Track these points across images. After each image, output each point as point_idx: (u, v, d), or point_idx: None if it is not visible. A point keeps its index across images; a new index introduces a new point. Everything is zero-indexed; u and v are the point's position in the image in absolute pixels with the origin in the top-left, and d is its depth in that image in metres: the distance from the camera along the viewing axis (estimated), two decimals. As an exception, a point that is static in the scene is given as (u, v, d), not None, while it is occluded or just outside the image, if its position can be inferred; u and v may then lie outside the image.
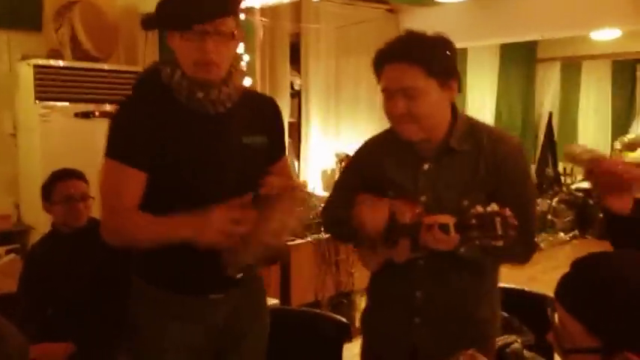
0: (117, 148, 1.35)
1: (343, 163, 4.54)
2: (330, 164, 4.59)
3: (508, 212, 1.21)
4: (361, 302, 3.26)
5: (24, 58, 3.06)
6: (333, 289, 3.24)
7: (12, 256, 2.81)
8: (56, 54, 3.10)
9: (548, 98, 7.07)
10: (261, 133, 1.46)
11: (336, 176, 4.53)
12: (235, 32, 1.35)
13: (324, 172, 4.62)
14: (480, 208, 1.24)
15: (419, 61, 1.33)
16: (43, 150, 2.96)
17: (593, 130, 7.64)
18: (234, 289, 1.44)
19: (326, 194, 4.57)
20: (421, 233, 1.32)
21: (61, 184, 1.94)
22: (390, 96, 1.37)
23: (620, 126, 7.73)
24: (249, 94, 1.52)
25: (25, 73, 2.99)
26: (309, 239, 3.30)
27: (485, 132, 1.45)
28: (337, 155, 4.54)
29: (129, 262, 1.46)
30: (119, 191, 1.33)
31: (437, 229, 1.29)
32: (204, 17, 1.29)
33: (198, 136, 1.38)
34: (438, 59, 1.35)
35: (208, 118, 1.37)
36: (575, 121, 7.52)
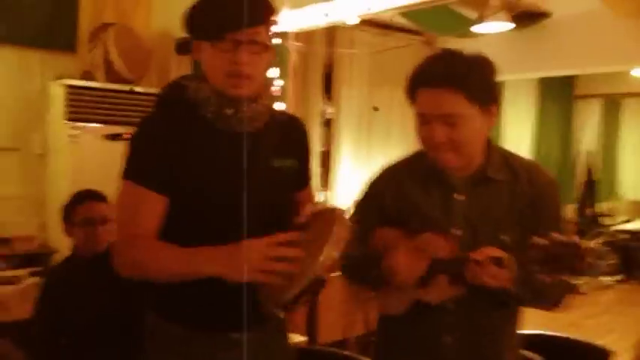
0: (135, 169, 1.24)
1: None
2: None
3: (577, 240, 1.09)
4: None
5: (57, 78, 3.06)
6: (362, 327, 3.05)
7: (35, 279, 2.73)
8: (89, 75, 3.09)
9: (587, 136, 6.87)
10: (291, 157, 1.36)
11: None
12: (269, 44, 1.26)
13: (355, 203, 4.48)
14: (540, 240, 1.12)
15: (461, 85, 1.23)
16: (72, 171, 2.91)
17: (633, 169, 7.38)
18: (259, 327, 1.29)
19: (356, 226, 4.45)
20: (468, 269, 1.20)
21: (80, 206, 1.86)
22: (426, 121, 1.27)
23: (660, 165, 7.46)
24: (277, 114, 1.41)
25: (57, 93, 2.98)
26: (338, 273, 3.12)
27: (521, 162, 1.36)
28: (368, 186, 4.42)
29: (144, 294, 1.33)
30: (136, 216, 1.21)
31: (490, 263, 1.17)
32: (239, 25, 1.19)
33: (226, 157, 1.26)
34: (480, 83, 1.25)
35: (237, 138, 1.26)
36: (614, 160, 7.28)
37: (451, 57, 1.28)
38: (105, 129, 3.00)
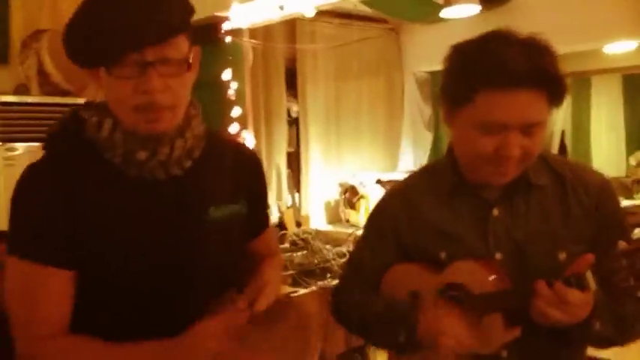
0: (25, 242, 0.94)
1: (347, 194, 4.21)
2: (334, 195, 4.26)
3: None
4: (376, 357, 2.87)
5: (-11, 94, 2.76)
6: (342, 344, 2.85)
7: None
8: (23, 89, 2.80)
9: (559, 115, 6.78)
10: (237, 200, 1.07)
11: (341, 208, 4.19)
12: (191, 58, 0.95)
13: (328, 204, 4.29)
14: (628, 246, 0.87)
15: (545, 84, 0.96)
16: (9, 196, 2.62)
17: (606, 146, 7.34)
18: None
19: (330, 229, 4.25)
20: (537, 301, 0.92)
21: None
22: (497, 130, 0.98)
23: (634, 141, 7.44)
24: (218, 142, 1.11)
25: (-13, 112, 2.68)
26: (313, 288, 2.92)
27: (563, 163, 1.11)
28: (341, 185, 4.22)
29: None
30: (36, 307, 0.92)
31: (562, 286, 0.89)
32: (143, 41, 0.87)
33: (143, 213, 0.97)
34: (560, 77, 0.99)
35: (157, 186, 0.97)
36: (588, 138, 7.23)
37: (523, 44, 0.99)
38: (45, 147, 2.72)
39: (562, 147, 6.74)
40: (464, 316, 1.02)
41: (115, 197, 0.97)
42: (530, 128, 1.00)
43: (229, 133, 2.88)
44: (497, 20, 4.31)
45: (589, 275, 0.89)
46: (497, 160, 1.02)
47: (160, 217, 0.98)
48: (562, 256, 1.02)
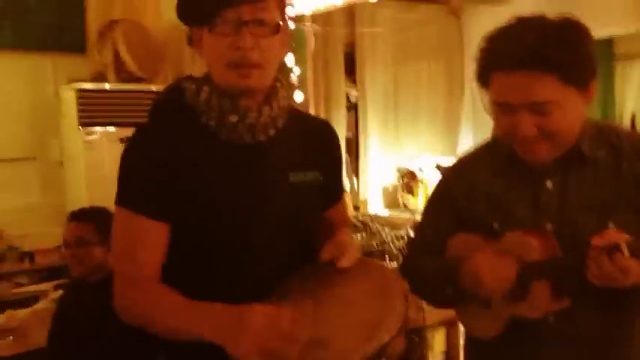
0: (130, 194, 1.06)
1: (406, 179, 4.21)
2: (392, 180, 4.27)
3: None
4: (434, 340, 2.89)
5: (69, 82, 2.95)
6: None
7: (59, 292, 2.66)
8: (101, 77, 2.98)
9: (629, 98, 6.47)
10: (314, 168, 1.14)
11: (399, 193, 4.20)
12: (281, 24, 1.04)
13: (386, 189, 4.30)
14: None
15: (553, 66, 0.99)
16: (89, 178, 2.82)
17: (681, 130, 6.95)
18: None
19: (388, 213, 4.28)
20: (592, 263, 0.97)
21: (66, 227, 1.75)
22: (508, 111, 1.05)
23: None
24: (298, 116, 1.20)
25: (69, 99, 2.88)
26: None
27: (622, 134, 1.12)
28: (399, 170, 4.22)
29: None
30: (134, 249, 1.05)
31: (620, 252, 0.94)
32: None
33: (232, 174, 1.07)
34: (576, 59, 1.01)
35: (245, 150, 1.07)
36: (660, 122, 6.86)
37: (535, 28, 1.02)
38: (121, 132, 2.88)
39: (632, 129, 6.44)
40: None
41: (208, 157, 1.06)
42: (540, 107, 1.02)
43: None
44: (563, 1, 4.18)
45: (624, 245, 0.94)
46: (519, 141, 1.06)
47: (245, 178, 1.07)
48: (611, 225, 1.02)
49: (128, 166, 1.07)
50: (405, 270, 1.29)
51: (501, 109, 1.06)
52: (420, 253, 1.26)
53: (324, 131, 1.23)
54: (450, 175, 1.28)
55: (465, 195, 1.19)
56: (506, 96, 1.04)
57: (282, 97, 1.11)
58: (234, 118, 1.05)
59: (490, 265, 1.06)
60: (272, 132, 1.09)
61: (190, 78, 1.11)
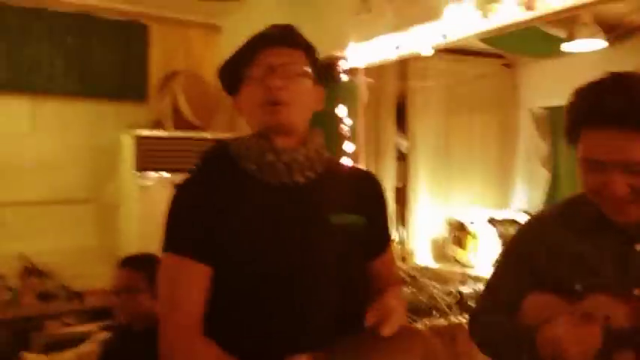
0: (173, 238, 1.10)
1: (455, 232, 4.10)
2: (441, 232, 4.16)
3: None
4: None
5: (129, 128, 3.07)
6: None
7: (105, 333, 2.68)
8: (159, 124, 3.09)
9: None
10: (356, 212, 1.15)
11: (448, 245, 4.08)
12: (308, 70, 1.14)
13: (435, 241, 4.19)
14: None
15: None
16: (142, 221, 2.89)
17: None
18: None
19: (437, 266, 4.15)
20: None
21: (117, 273, 1.78)
22: (598, 168, 1.02)
23: None
24: (342, 166, 1.25)
25: (127, 144, 2.99)
26: (418, 326, 2.86)
27: None
28: (449, 222, 4.11)
29: None
30: (177, 290, 1.06)
31: None
32: (270, 41, 1.12)
33: (272, 215, 1.09)
34: None
35: (284, 191, 1.10)
36: None
37: (631, 86, 1.01)
38: (175, 177, 2.96)
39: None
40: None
41: (248, 199, 1.10)
42: (634, 167, 0.99)
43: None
44: (623, 53, 4.06)
45: None
46: (606, 199, 1.03)
47: (285, 220, 1.08)
48: None
49: (172, 214, 1.11)
50: (475, 329, 1.24)
51: (591, 166, 1.03)
52: (492, 312, 1.20)
53: (367, 179, 1.24)
54: (528, 233, 1.23)
55: (547, 255, 1.14)
56: (598, 153, 1.01)
57: (319, 144, 1.16)
58: (270, 156, 1.09)
59: (574, 335, 0.99)
60: (311, 175, 1.12)
61: (236, 137, 1.19)
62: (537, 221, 1.24)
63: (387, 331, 0.99)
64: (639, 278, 1.05)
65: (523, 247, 1.22)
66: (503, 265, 1.26)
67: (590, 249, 1.09)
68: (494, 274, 1.28)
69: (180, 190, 1.14)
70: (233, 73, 1.16)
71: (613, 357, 0.99)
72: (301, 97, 1.13)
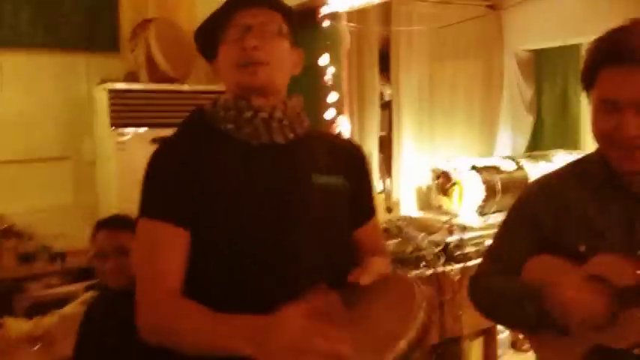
0: (149, 202, 1.08)
1: (440, 180, 4.09)
2: (426, 181, 4.16)
3: None
4: (471, 350, 2.79)
5: (102, 82, 2.94)
6: (436, 335, 2.80)
7: (90, 293, 2.65)
8: (133, 76, 2.95)
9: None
10: (337, 174, 1.13)
11: (433, 194, 4.09)
12: (285, 31, 1.13)
13: (419, 190, 4.19)
14: None
15: None
16: (120, 178, 2.80)
17: None
18: None
19: (422, 215, 4.17)
20: None
21: (98, 235, 1.70)
22: (612, 109, 1.01)
23: None
24: (324, 132, 1.27)
25: (101, 99, 2.87)
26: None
27: None
28: (433, 171, 4.10)
29: None
30: (154, 255, 1.03)
31: None
32: (244, 3, 1.10)
33: (251, 174, 1.07)
34: None
35: (263, 150, 1.08)
36: None
37: None
38: (153, 133, 2.86)
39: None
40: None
41: (226, 160, 1.08)
42: None
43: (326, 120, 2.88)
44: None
45: None
46: (618, 142, 1.02)
47: (264, 179, 1.07)
48: None
49: (149, 178, 1.09)
50: (476, 288, 1.24)
51: (606, 106, 1.02)
52: (495, 272, 1.20)
53: (351, 147, 1.24)
54: (535, 193, 1.21)
55: (553, 216, 1.13)
56: (614, 91, 1.00)
57: (297, 104, 1.15)
58: (248, 114, 1.08)
59: (581, 296, 1.00)
60: (291, 136, 1.11)
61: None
62: (544, 182, 1.22)
63: (365, 279, 0.99)
64: None
65: (528, 207, 1.20)
66: (508, 225, 1.24)
67: (597, 210, 1.09)
68: (499, 234, 1.27)
69: (157, 154, 1.12)
70: (209, 36, 1.14)
71: (619, 317, 1.00)
72: (278, 58, 1.11)
